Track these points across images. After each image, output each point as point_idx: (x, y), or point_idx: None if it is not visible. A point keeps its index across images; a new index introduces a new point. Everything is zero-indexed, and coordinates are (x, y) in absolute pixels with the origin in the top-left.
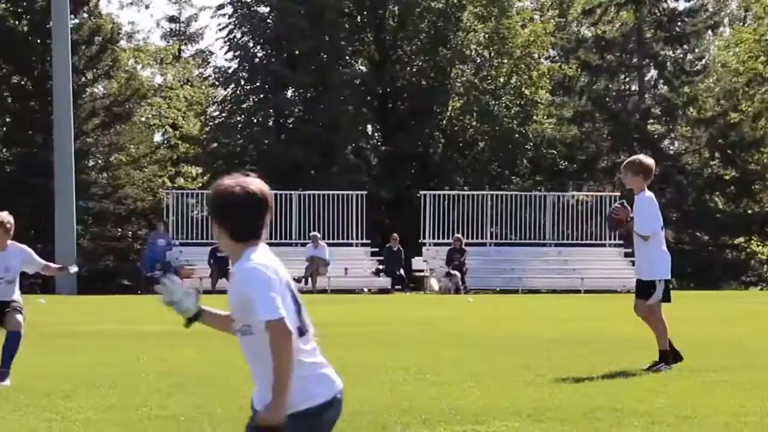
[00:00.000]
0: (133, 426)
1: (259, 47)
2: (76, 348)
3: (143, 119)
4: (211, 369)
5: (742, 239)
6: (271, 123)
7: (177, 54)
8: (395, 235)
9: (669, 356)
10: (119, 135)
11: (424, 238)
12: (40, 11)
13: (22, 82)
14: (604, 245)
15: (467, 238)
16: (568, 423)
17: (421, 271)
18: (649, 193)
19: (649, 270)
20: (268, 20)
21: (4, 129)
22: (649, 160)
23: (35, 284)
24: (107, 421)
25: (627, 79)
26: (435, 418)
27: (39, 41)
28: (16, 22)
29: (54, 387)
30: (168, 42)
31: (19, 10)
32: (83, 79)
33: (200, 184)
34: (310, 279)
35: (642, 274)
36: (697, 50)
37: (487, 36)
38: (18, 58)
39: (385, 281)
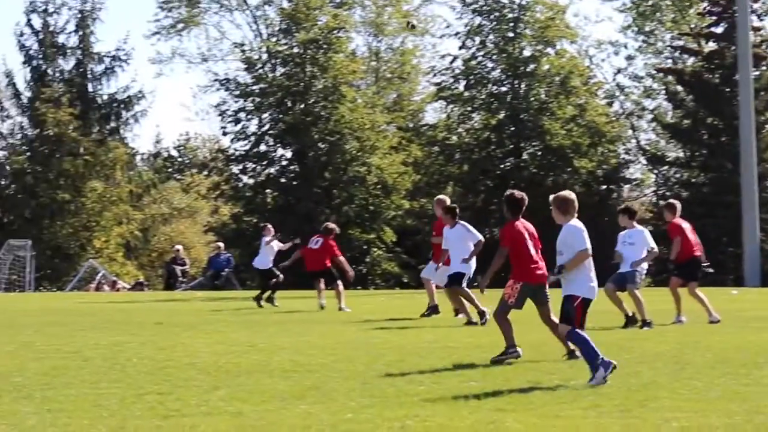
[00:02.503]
0: None
1: None
2: (764, 328)
3: None
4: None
5: None
6: None
7: None
8: None
9: None
10: None
11: None
12: (729, 66)
13: (715, 122)
14: None
15: None
16: None
17: None
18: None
19: None
20: None
21: (701, 159)
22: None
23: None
24: None
25: None
26: None
27: (728, 89)
28: (710, 76)
29: (749, 359)
30: None
31: (712, 66)
32: (762, 117)
33: None
34: None
35: None
36: None
37: None
38: (711, 103)
39: None
